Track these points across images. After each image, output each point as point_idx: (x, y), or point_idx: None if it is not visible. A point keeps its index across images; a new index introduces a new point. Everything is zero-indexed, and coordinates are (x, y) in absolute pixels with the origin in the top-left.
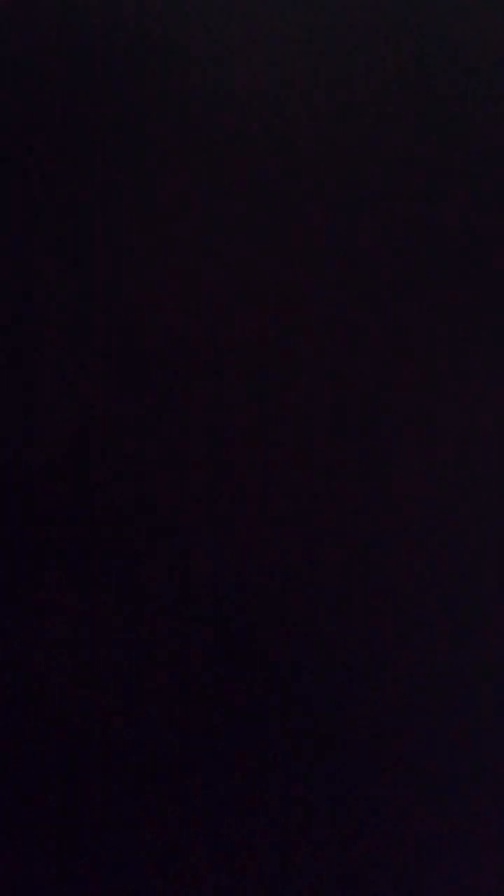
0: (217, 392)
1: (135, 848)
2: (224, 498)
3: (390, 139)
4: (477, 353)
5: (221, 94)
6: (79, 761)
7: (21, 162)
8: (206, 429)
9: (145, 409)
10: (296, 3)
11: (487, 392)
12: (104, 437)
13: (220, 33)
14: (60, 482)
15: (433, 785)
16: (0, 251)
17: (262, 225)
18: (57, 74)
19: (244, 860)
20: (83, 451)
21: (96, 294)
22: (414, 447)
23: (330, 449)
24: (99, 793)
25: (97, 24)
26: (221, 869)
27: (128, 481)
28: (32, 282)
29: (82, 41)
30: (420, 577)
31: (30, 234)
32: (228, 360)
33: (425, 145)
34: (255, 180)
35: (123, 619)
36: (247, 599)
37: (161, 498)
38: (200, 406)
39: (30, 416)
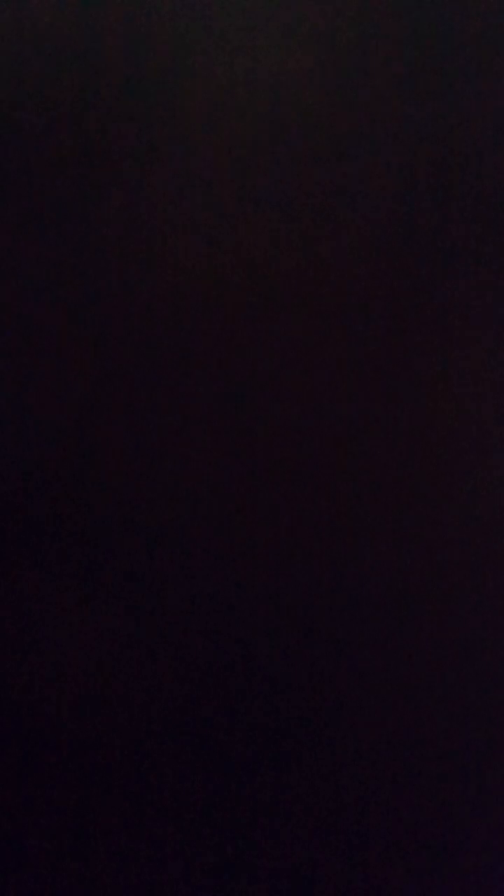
0: (216, 394)
1: (133, 848)
2: (223, 499)
3: (392, 140)
4: (477, 352)
5: (221, 92)
6: (78, 764)
7: (20, 159)
8: (206, 430)
9: (144, 410)
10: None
11: (488, 391)
12: (102, 437)
13: (220, 32)
14: (58, 484)
15: (434, 791)
16: None
17: (262, 225)
18: (57, 73)
19: (243, 860)
20: (81, 452)
21: (95, 296)
22: (414, 449)
23: (331, 450)
24: (98, 794)
25: (97, 23)
26: (220, 871)
27: (126, 482)
28: (30, 283)
29: (83, 40)
30: (422, 577)
31: (25, 237)
32: (228, 362)
33: (426, 148)
34: (255, 179)
35: (123, 621)
36: (246, 601)
37: (160, 500)
38: (199, 407)
39: (27, 417)
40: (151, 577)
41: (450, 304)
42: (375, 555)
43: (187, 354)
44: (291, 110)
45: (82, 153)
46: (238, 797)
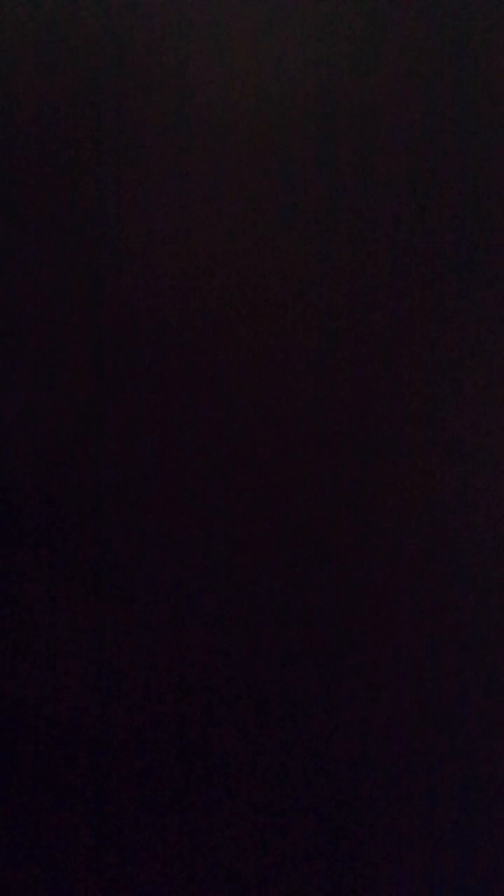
0: (219, 395)
1: (132, 848)
2: (226, 500)
3: (391, 140)
4: (477, 350)
5: (221, 91)
6: (78, 761)
7: (22, 157)
8: (205, 430)
9: (146, 411)
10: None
11: (487, 391)
12: (104, 438)
13: (220, 31)
14: (61, 486)
15: (433, 797)
16: None
17: (262, 225)
18: (58, 74)
19: (242, 863)
20: (81, 454)
21: (94, 297)
22: (414, 448)
23: (330, 451)
24: (98, 795)
25: (99, 23)
26: (219, 871)
27: (129, 483)
28: (28, 283)
29: (84, 40)
30: (421, 578)
31: (24, 239)
32: (231, 364)
33: (426, 148)
34: (254, 178)
35: (123, 622)
36: (247, 602)
37: (162, 501)
38: (202, 409)
39: (29, 418)
40: (152, 578)
41: (455, 310)
42: (379, 562)
43: (190, 356)
44: (295, 109)
45: (83, 153)
46: (238, 794)
